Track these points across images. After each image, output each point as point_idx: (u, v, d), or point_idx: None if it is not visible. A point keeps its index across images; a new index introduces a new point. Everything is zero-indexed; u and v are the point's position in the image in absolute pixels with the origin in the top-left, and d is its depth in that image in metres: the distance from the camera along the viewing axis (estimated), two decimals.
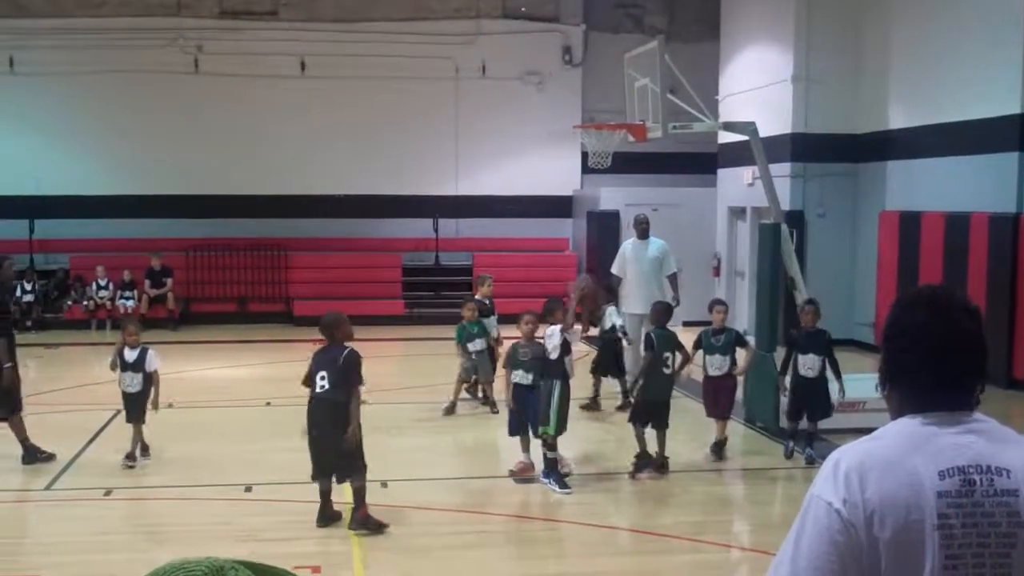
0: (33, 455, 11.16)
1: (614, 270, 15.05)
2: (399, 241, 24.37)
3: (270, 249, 23.59)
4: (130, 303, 22.39)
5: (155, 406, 11.11)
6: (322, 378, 8.87)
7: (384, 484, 10.09)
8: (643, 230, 14.93)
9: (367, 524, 8.82)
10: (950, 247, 16.11)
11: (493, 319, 14.10)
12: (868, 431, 2.67)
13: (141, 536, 8.87)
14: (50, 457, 11.19)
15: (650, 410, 10.76)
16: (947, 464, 2.49)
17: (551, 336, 10.37)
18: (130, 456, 10.87)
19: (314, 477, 8.95)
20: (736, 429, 12.90)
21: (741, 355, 11.73)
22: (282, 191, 23.89)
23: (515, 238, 24.69)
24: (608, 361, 13.90)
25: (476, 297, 14.30)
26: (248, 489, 10.07)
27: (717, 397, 11.50)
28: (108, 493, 9.93)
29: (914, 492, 2.46)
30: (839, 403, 11.27)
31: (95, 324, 22.18)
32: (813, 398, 11.11)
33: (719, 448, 11.44)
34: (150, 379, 11.09)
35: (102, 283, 22.57)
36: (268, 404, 13.95)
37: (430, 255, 24.43)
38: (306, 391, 9.01)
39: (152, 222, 23.59)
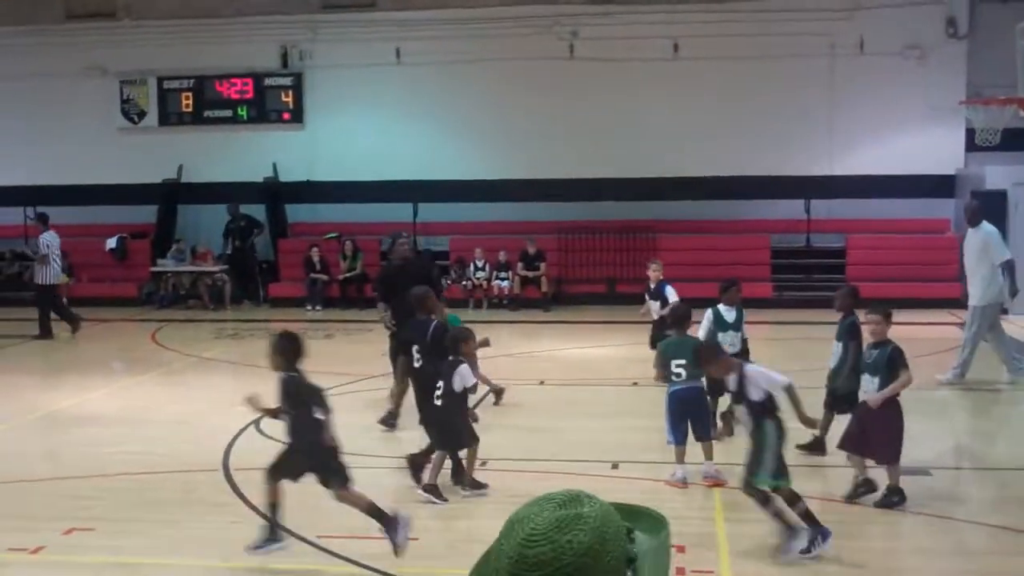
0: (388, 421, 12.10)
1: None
2: (768, 222, 23.94)
3: (639, 231, 23.79)
4: (505, 284, 23.23)
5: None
6: None
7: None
8: (968, 217, 14.11)
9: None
10: None
11: None
12: None
13: (509, 506, 9.11)
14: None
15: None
16: None
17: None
18: (474, 482, 9.70)
19: None
20: None
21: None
22: (653, 173, 23.97)
23: (891, 219, 23.69)
24: None
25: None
26: (615, 466, 10.20)
27: (873, 431, 9.11)
28: (483, 464, 10.31)
29: None
30: None
31: (472, 304, 23.15)
32: None
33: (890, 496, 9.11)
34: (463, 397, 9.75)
35: (479, 264, 23.53)
36: (635, 384, 14.06)
37: (800, 237, 23.88)
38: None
39: (527, 205, 24.32)
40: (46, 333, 19.95)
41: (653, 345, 13.60)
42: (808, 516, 7.89)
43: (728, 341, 10.99)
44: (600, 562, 1.85)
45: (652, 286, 14.39)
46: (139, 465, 10.63)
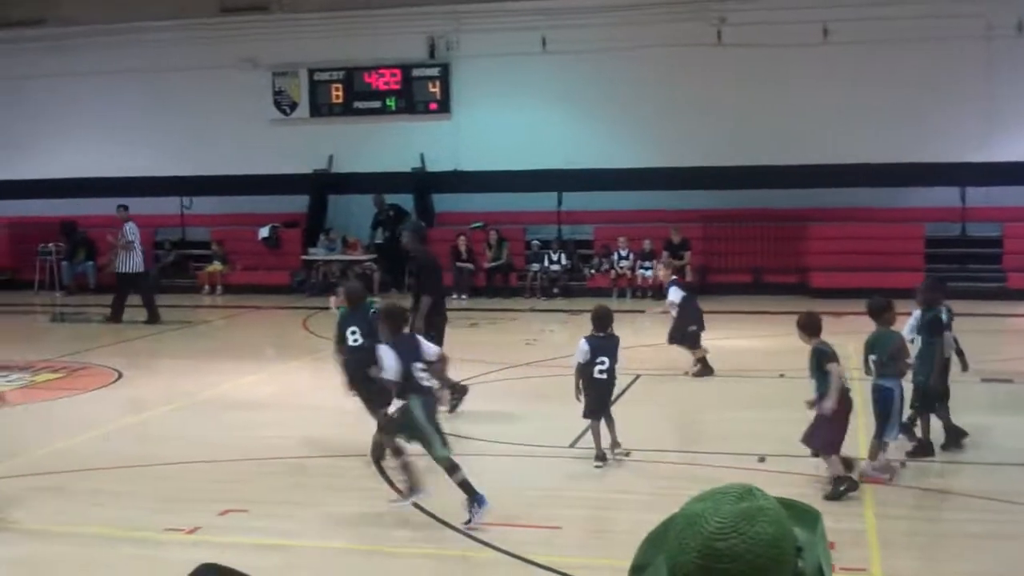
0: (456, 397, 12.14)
1: None
2: (922, 211, 23.31)
3: (787, 220, 23.42)
4: (648, 273, 23.10)
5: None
6: None
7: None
8: None
9: None
10: None
11: None
12: None
13: (653, 497, 9.08)
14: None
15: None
16: None
17: None
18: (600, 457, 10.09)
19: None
20: None
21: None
22: (800, 161, 23.53)
23: None
24: None
25: None
26: (761, 459, 10.05)
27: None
28: (627, 454, 10.28)
29: None
30: None
31: (616, 293, 23.08)
32: None
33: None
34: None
35: (623, 253, 23.45)
36: (782, 376, 13.83)
37: (955, 225, 23.20)
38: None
39: (673, 194, 24.14)
40: (116, 317, 20.59)
41: (671, 340, 14.22)
42: (410, 473, 8.60)
43: (946, 342, 10.47)
44: (785, 552, 1.88)
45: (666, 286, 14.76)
46: (290, 449, 10.88)
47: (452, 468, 8.37)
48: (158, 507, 9.02)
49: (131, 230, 20.68)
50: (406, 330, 9.16)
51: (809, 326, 9.46)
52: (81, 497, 9.41)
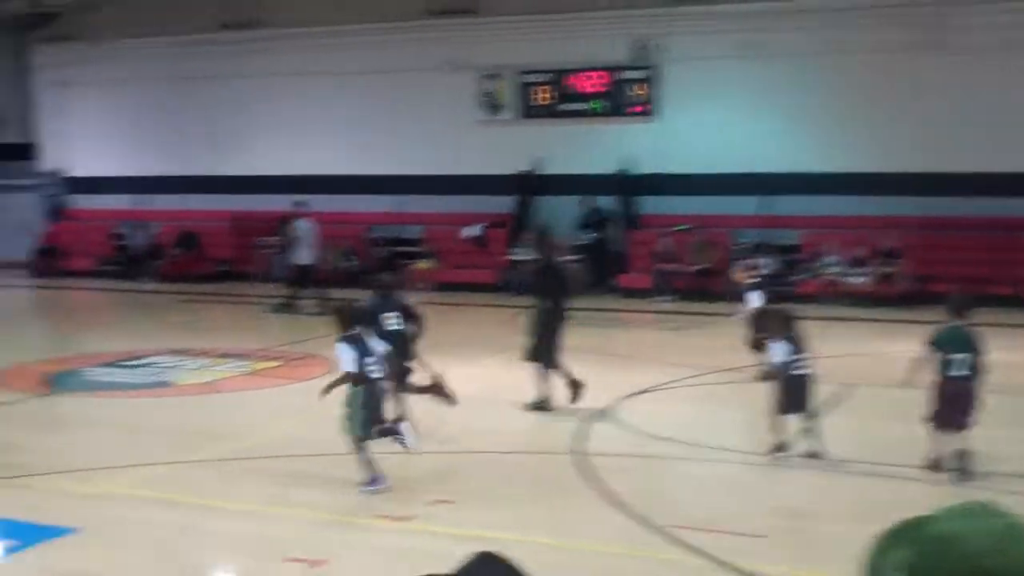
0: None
1: None
2: None
3: (1006, 229, 22.49)
4: (860, 280, 22.58)
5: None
6: None
7: None
8: None
9: None
10: None
11: None
12: None
13: (859, 509, 8.90)
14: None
15: None
16: None
17: None
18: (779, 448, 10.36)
19: None
20: None
21: None
22: (1019, 168, 22.57)
23: None
24: None
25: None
26: (962, 473, 9.74)
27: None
28: (839, 463, 10.12)
29: None
30: None
31: (824, 299, 22.60)
32: None
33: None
34: None
35: (833, 259, 22.99)
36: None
37: None
38: None
39: (885, 199, 23.47)
40: (289, 307, 21.90)
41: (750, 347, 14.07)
42: (370, 464, 9.50)
43: None
44: None
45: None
46: (496, 444, 11.10)
47: (358, 447, 9.49)
48: (371, 494, 9.33)
49: (300, 226, 22.15)
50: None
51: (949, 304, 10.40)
52: (294, 480, 9.81)
